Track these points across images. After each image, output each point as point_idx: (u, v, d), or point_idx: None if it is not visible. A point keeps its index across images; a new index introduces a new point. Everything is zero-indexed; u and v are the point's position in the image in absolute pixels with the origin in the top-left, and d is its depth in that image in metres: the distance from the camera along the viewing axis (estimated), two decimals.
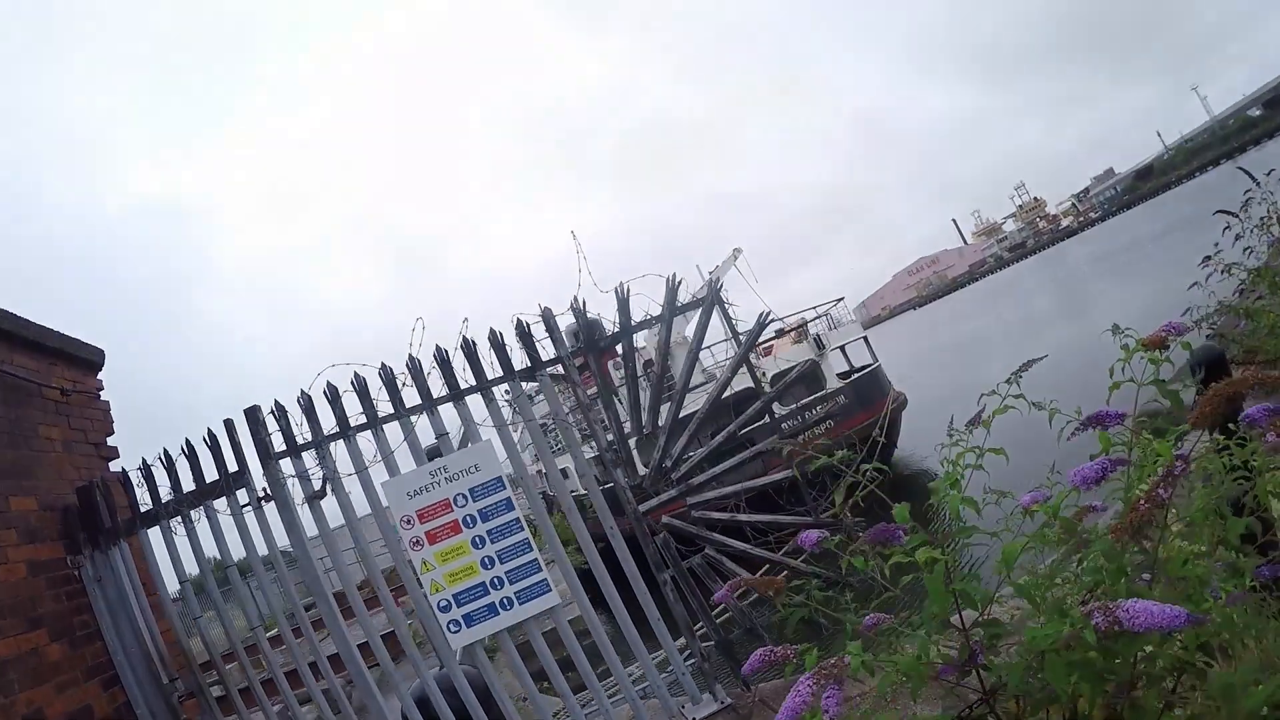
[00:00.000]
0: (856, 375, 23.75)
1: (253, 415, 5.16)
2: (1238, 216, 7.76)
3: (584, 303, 5.52)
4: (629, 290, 5.61)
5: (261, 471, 5.15)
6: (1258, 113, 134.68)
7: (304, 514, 5.19)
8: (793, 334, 25.45)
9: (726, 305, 5.97)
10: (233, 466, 5.17)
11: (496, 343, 5.22)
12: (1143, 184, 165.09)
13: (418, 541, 5.06)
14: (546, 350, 5.48)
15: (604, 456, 5.48)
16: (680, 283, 5.80)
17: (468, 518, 5.08)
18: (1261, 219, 7.70)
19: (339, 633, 5.21)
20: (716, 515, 5.76)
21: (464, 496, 5.09)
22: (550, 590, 5.09)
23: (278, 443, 5.14)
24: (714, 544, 5.64)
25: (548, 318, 5.39)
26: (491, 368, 5.30)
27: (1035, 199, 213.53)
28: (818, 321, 26.45)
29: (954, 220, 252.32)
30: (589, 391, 6.14)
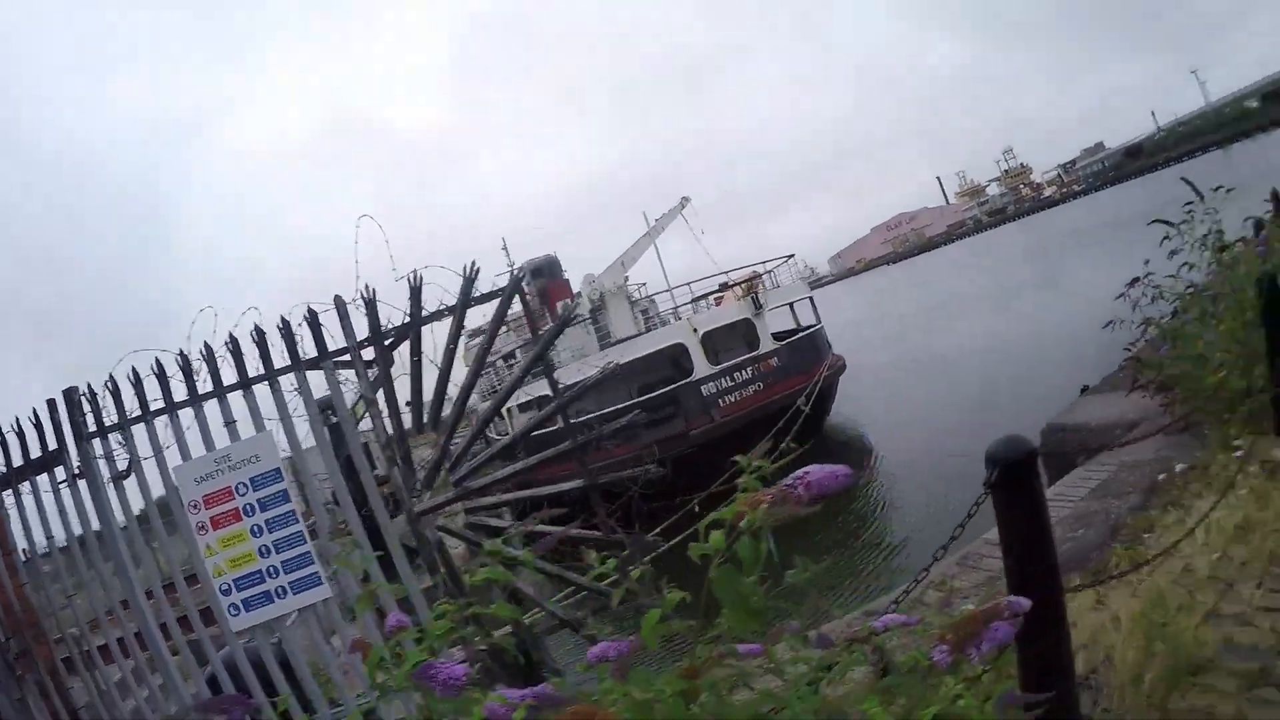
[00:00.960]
0: (792, 338, 23.15)
1: (69, 396, 5.19)
2: (1176, 228, 7.43)
3: (374, 291, 5.40)
4: (422, 278, 5.50)
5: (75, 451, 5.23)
6: (1255, 104, 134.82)
7: (115, 493, 5.23)
8: (741, 288, 24.96)
9: (528, 296, 5.78)
10: (53, 444, 5.24)
11: (286, 332, 5.08)
12: (1131, 162, 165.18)
13: (203, 526, 5.11)
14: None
15: (382, 452, 5.41)
16: (478, 272, 5.65)
17: (248, 506, 5.09)
18: (1205, 235, 7.34)
19: (139, 610, 5.28)
20: (494, 523, 5.67)
21: (245, 485, 5.10)
22: (322, 584, 5.09)
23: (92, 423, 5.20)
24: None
25: (339, 305, 5.30)
26: (305, 352, 5.24)
27: (1021, 165, 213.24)
28: (773, 275, 25.89)
29: (938, 178, 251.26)
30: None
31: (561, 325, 6.18)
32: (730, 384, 20.54)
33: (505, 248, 34.63)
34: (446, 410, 5.90)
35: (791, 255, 27.01)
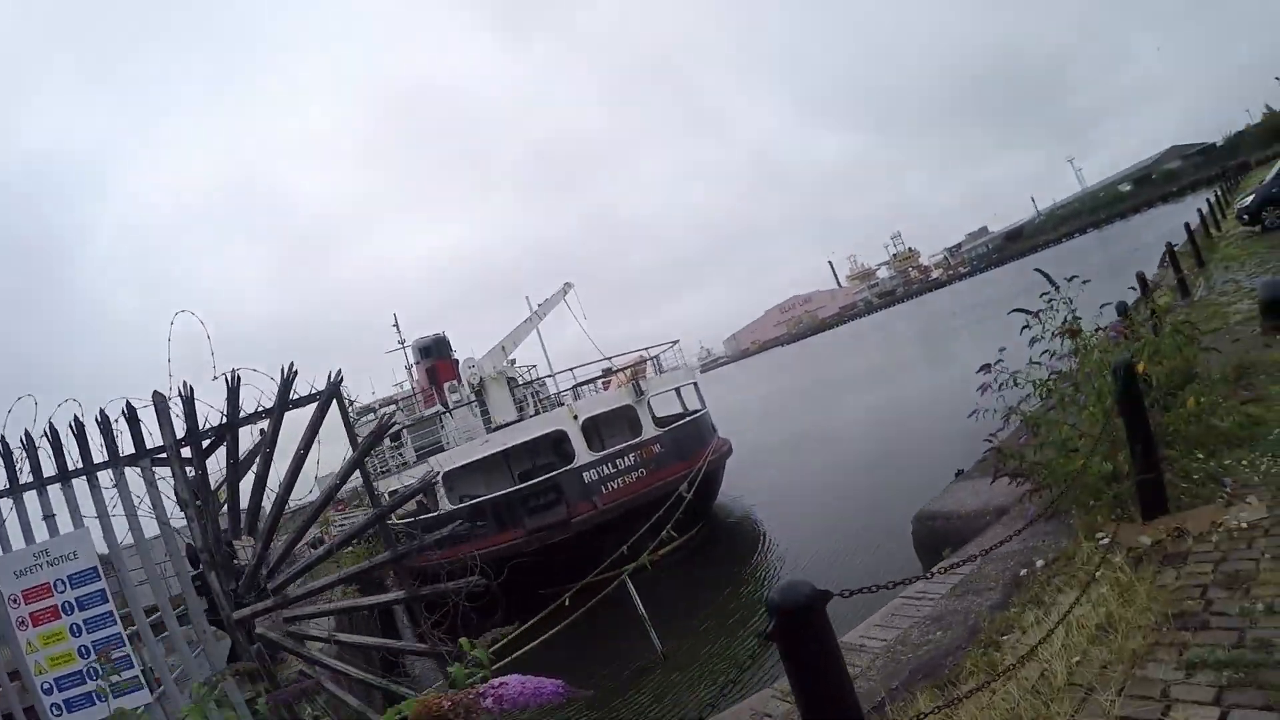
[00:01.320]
0: (675, 425, 23.51)
1: None
2: (1037, 316, 7.45)
3: (191, 389, 5.34)
4: (238, 379, 5.45)
5: None
6: (1127, 188, 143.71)
7: None
8: (624, 374, 25.03)
9: (348, 400, 5.80)
10: None
11: (104, 427, 5.03)
12: (1011, 245, 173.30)
13: (23, 622, 4.94)
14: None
15: (198, 557, 5.29)
16: (295, 375, 5.62)
17: (66, 604, 4.95)
18: (1064, 320, 7.32)
19: None
20: (314, 634, 5.58)
21: (63, 582, 4.96)
22: (142, 688, 4.96)
23: None
24: (307, 660, 5.45)
25: (158, 402, 5.24)
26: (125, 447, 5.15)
27: (910, 249, 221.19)
28: (657, 360, 26.19)
29: (830, 262, 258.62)
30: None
31: (379, 434, 6.12)
32: (612, 470, 20.47)
33: (396, 324, 34.62)
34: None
35: (677, 340, 27.21)
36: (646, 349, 26.58)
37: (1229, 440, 6.46)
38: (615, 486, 20.44)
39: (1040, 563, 5.87)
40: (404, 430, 26.05)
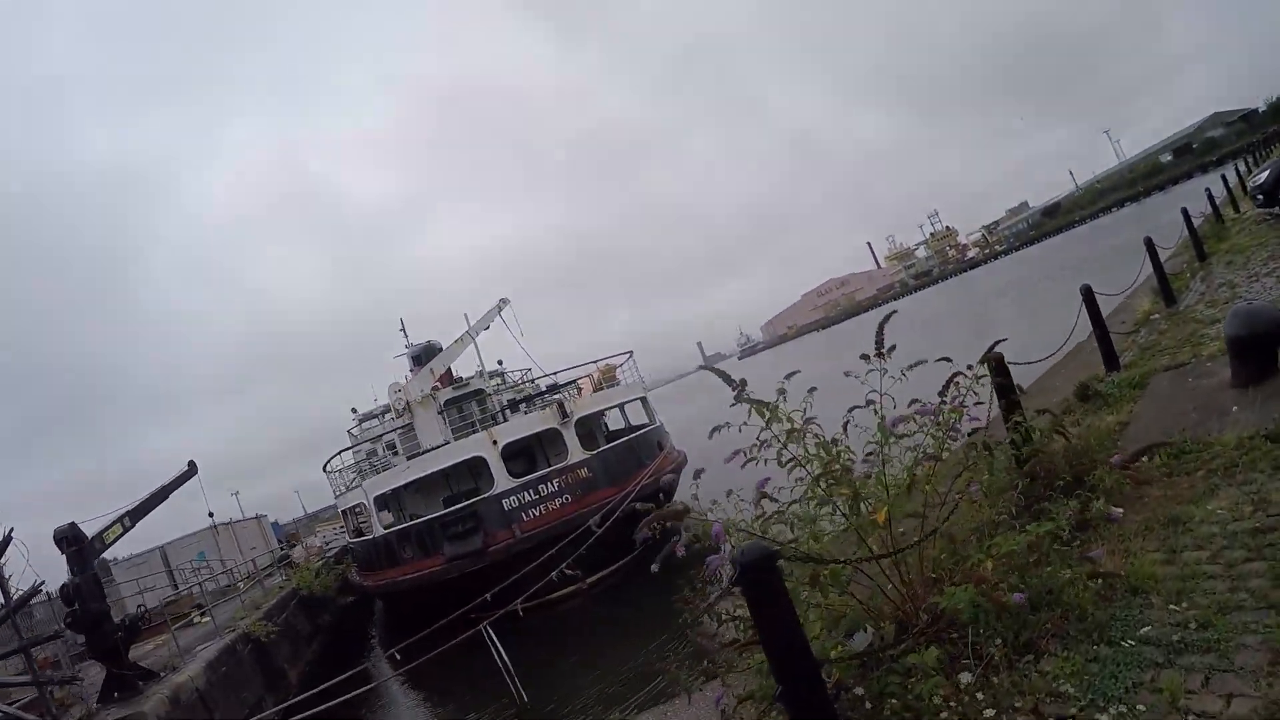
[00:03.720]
0: (609, 445, 21.85)
1: None
2: (883, 355, 4.94)
3: None
4: None
5: None
6: (1167, 158, 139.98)
7: None
8: (593, 379, 24.07)
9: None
10: None
11: None
12: (1049, 221, 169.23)
13: None
14: None
15: None
16: None
17: None
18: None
19: None
20: None
21: None
22: None
23: None
24: None
25: None
26: None
27: (947, 228, 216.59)
28: (589, 377, 24.75)
29: (869, 243, 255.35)
30: None
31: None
32: (534, 497, 18.99)
33: (404, 329, 33.54)
34: None
35: (630, 352, 25.84)
36: (600, 360, 25.23)
37: (1070, 628, 4.11)
38: (537, 514, 18.96)
39: None
40: (396, 436, 25.68)
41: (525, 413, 22.00)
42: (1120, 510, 5.32)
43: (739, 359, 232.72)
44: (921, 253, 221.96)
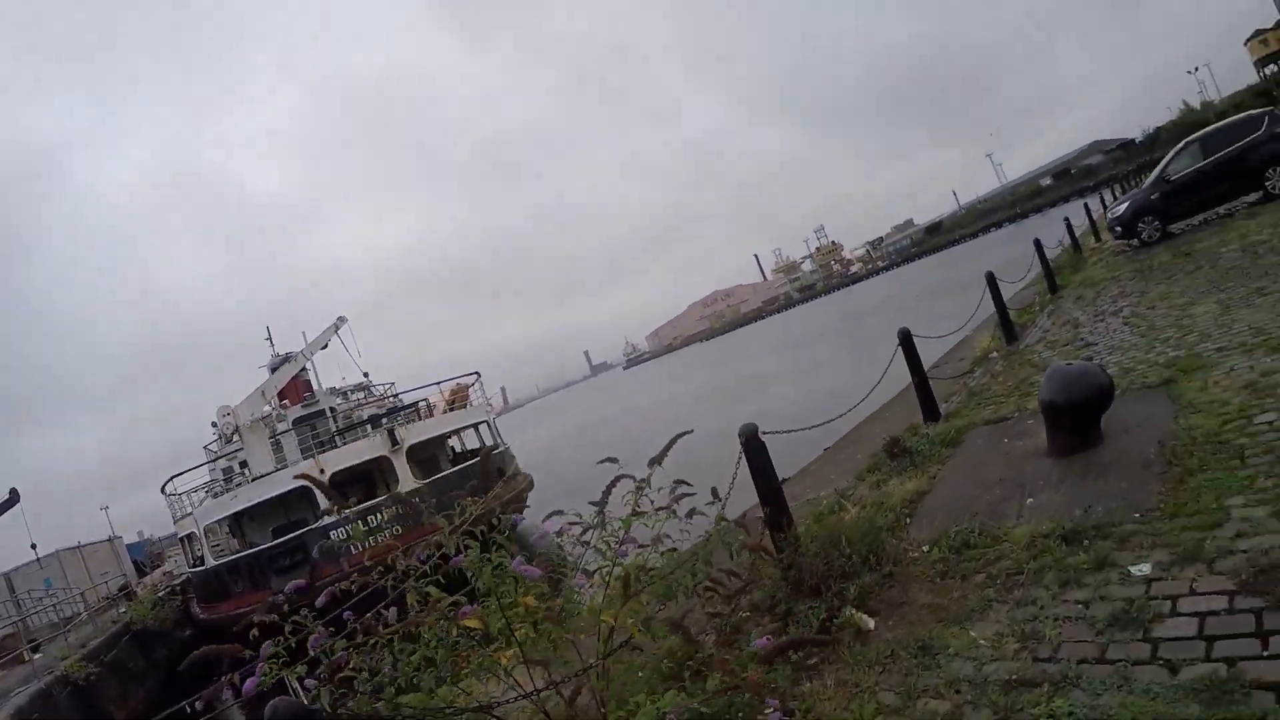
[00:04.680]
0: (442, 473, 20.79)
1: None
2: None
3: None
4: None
5: None
6: (1048, 182, 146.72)
7: None
8: (450, 397, 23.16)
9: None
10: None
11: None
12: (931, 238, 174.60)
13: None
14: None
15: None
16: None
17: None
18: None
19: None
20: None
21: None
22: None
23: None
24: None
25: None
26: None
27: (833, 243, 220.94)
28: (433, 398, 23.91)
29: (756, 255, 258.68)
30: None
31: None
32: (364, 528, 17.62)
33: (269, 337, 31.83)
34: None
35: (477, 373, 25.10)
36: (446, 380, 24.34)
37: None
38: (366, 547, 17.37)
39: None
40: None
41: (358, 438, 20.83)
42: (873, 621, 4.56)
43: (625, 369, 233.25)
44: (807, 266, 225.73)
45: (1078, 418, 6.25)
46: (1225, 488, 4.64)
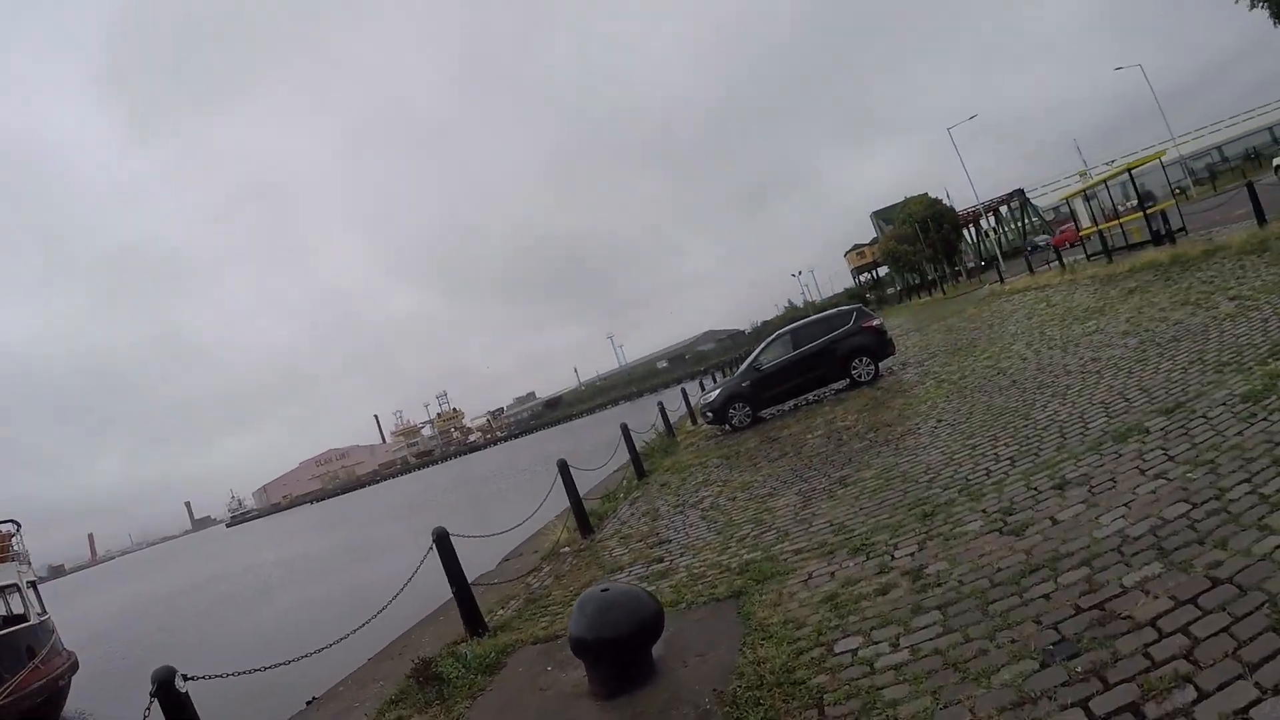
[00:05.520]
0: None
1: None
2: None
3: None
4: None
5: None
6: (664, 364, 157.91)
7: None
8: None
9: None
10: None
11: None
12: (550, 411, 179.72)
13: None
14: None
15: None
16: None
17: None
18: None
19: None
20: None
21: None
22: None
23: None
24: None
25: None
26: None
27: (455, 409, 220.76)
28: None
29: (375, 417, 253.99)
30: None
31: None
32: None
33: None
34: None
35: (17, 522, 20.22)
36: None
37: None
38: None
39: None
40: None
41: None
42: None
43: (228, 525, 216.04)
44: (427, 431, 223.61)
45: (620, 653, 4.88)
46: None
